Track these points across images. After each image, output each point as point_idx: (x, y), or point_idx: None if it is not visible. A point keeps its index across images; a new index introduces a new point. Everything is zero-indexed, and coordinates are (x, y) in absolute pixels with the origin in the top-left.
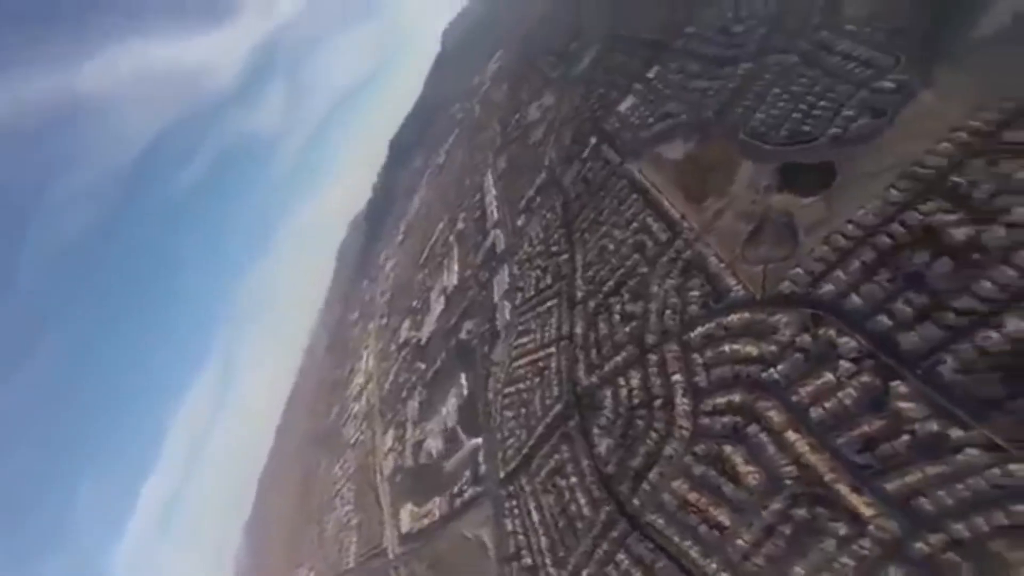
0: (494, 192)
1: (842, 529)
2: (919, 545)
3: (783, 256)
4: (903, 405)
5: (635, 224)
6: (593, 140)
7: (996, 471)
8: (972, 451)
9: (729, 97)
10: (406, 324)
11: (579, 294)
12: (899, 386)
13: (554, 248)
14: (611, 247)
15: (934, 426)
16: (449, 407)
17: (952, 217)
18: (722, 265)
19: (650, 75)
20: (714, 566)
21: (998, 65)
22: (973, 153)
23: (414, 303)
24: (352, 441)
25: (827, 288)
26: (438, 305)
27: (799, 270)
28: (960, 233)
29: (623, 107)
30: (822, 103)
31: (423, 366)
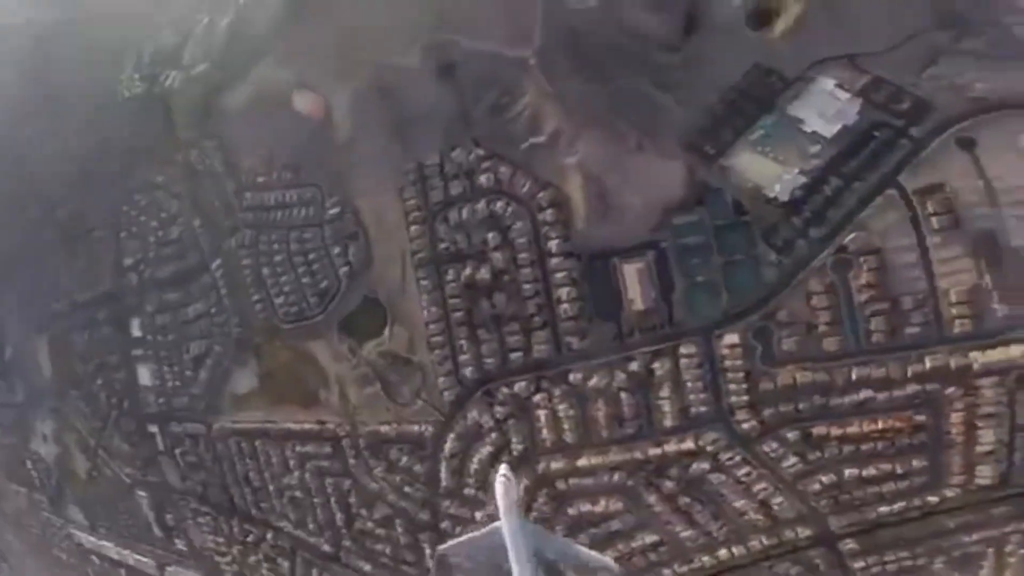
0: (110, 544)
1: (703, 463)
2: (744, 425)
3: (420, 381)
4: (591, 384)
5: (291, 462)
6: (154, 429)
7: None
8: (658, 364)
9: (231, 303)
10: None
11: (326, 547)
12: (574, 376)
13: (249, 539)
14: (299, 494)
15: (621, 374)
16: None
17: (469, 269)
18: (395, 425)
19: (137, 333)
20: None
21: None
22: (421, 221)
23: None
24: None
25: (467, 369)
26: None
27: (441, 379)
28: (484, 274)
29: (145, 381)
30: (311, 256)
31: None
